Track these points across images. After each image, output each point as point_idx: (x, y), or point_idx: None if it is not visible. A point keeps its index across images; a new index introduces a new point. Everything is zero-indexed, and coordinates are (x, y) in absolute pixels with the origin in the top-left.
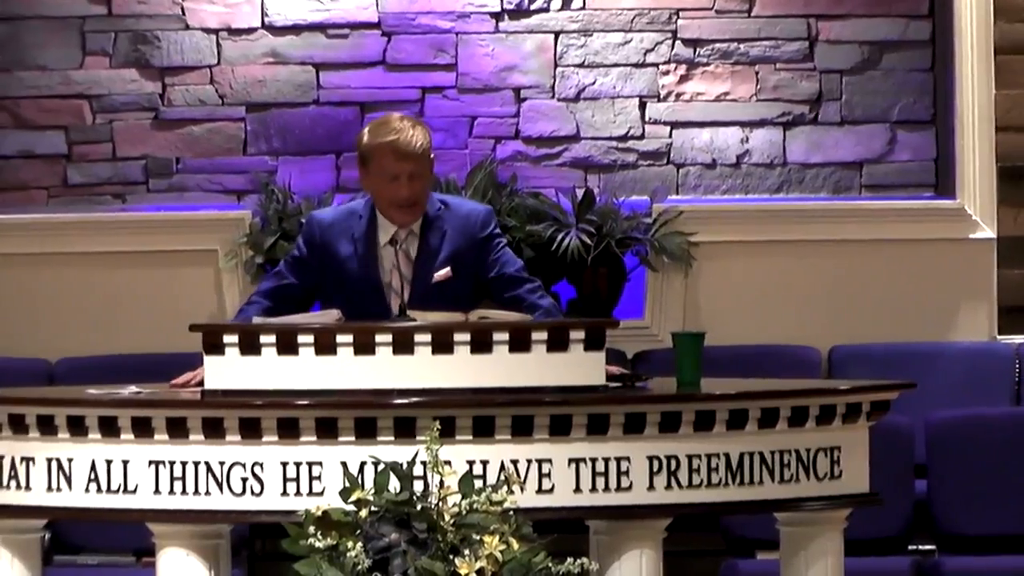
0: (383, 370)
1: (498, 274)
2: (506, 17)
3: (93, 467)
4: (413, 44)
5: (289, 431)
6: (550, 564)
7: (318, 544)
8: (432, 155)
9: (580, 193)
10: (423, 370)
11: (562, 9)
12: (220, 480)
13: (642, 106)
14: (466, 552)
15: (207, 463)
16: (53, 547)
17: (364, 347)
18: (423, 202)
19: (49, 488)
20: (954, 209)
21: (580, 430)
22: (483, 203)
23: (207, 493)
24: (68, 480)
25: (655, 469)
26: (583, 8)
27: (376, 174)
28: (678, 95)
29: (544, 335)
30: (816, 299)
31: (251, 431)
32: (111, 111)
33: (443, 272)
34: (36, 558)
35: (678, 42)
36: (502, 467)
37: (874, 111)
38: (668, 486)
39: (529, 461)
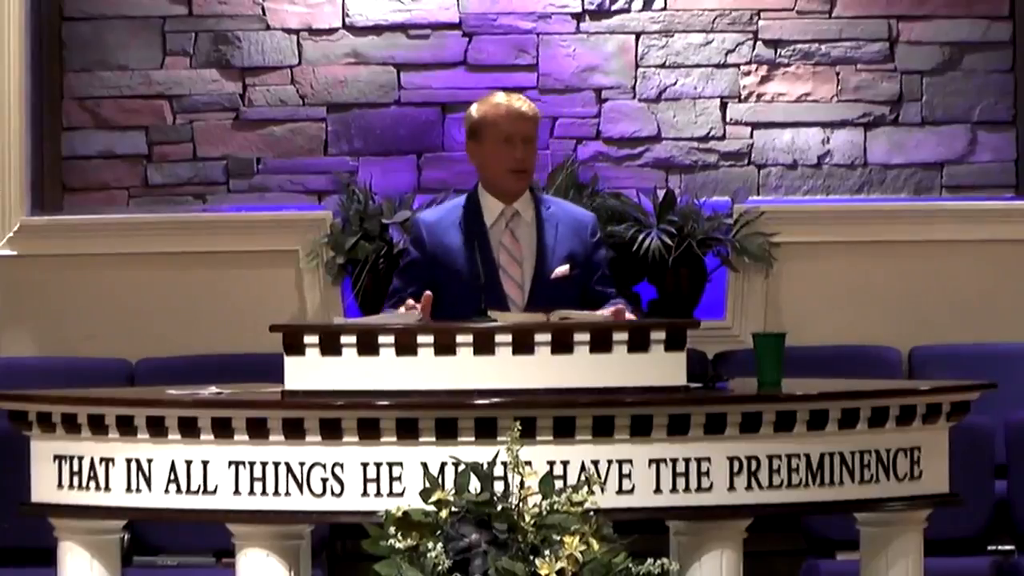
0: (464, 370)
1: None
2: (587, 18)
3: (173, 468)
4: (494, 45)
5: (370, 431)
6: (630, 565)
7: (398, 545)
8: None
9: (661, 194)
10: (504, 371)
11: (643, 10)
12: (300, 481)
13: (723, 107)
14: (546, 553)
15: (287, 464)
16: (132, 548)
17: (445, 348)
18: (532, 171)
19: (128, 489)
20: None
21: (661, 430)
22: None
23: (287, 494)
24: (148, 481)
25: (735, 469)
26: (664, 9)
27: (490, 141)
28: (759, 96)
29: (625, 336)
30: (897, 300)
31: (331, 432)
32: (192, 111)
33: (563, 269)
34: (115, 559)
35: (759, 43)
36: (583, 467)
37: (955, 112)
38: (748, 486)
39: (610, 462)
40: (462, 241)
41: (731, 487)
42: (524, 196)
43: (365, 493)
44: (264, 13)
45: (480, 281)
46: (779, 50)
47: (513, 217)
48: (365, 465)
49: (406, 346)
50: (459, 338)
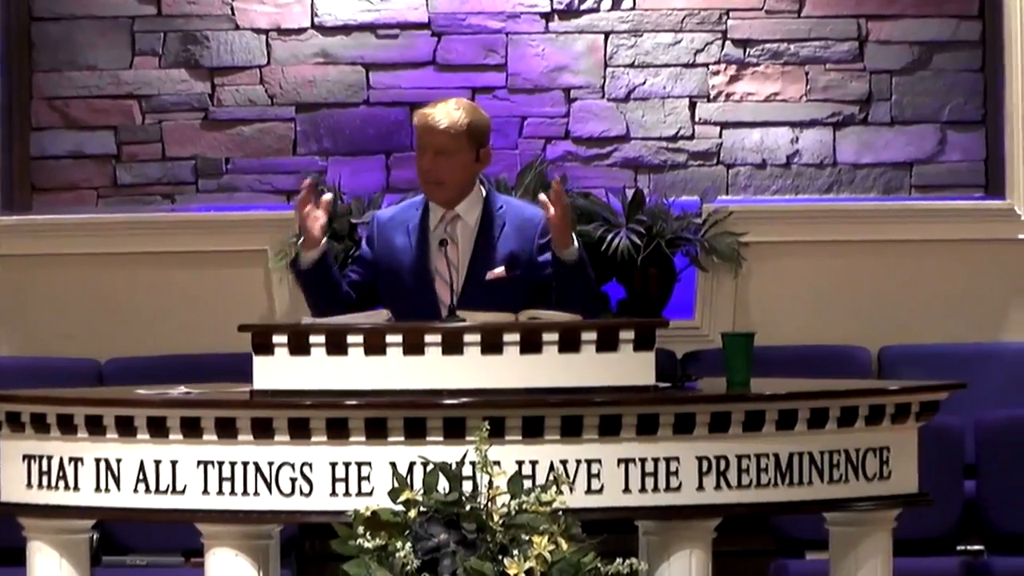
0: (433, 370)
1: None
2: (556, 17)
3: (142, 467)
4: (463, 44)
5: (338, 431)
6: (599, 564)
7: (367, 544)
8: (476, 142)
9: (630, 193)
10: (473, 370)
11: (612, 9)
12: (269, 480)
13: (692, 106)
14: (515, 552)
15: (256, 463)
16: (101, 548)
17: (414, 347)
18: (451, 182)
19: (97, 488)
20: (1004, 209)
21: (630, 430)
22: (534, 203)
23: (256, 494)
24: (117, 480)
25: (704, 469)
26: (633, 8)
27: (416, 150)
28: (728, 95)
29: (593, 335)
30: (866, 299)
31: (300, 431)
32: (161, 111)
33: (498, 271)
34: (84, 559)
35: (728, 42)
36: (551, 467)
37: (924, 111)
38: (717, 486)
39: (578, 461)
40: (404, 242)
41: (700, 487)
42: (471, 199)
43: (334, 493)
44: (233, 13)
45: (415, 280)
46: (748, 50)
47: (453, 220)
48: (334, 465)
49: (375, 346)
50: (428, 338)
